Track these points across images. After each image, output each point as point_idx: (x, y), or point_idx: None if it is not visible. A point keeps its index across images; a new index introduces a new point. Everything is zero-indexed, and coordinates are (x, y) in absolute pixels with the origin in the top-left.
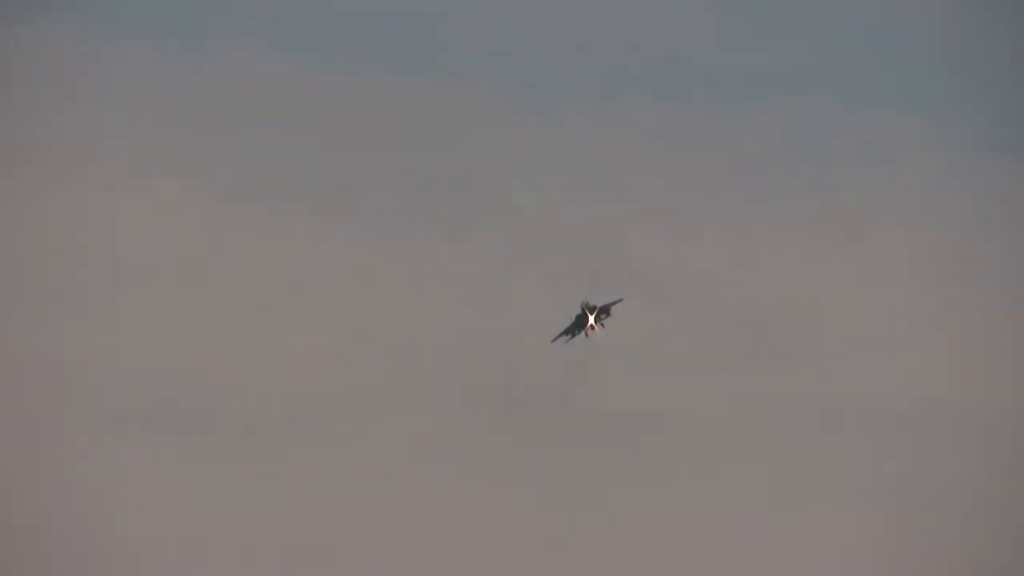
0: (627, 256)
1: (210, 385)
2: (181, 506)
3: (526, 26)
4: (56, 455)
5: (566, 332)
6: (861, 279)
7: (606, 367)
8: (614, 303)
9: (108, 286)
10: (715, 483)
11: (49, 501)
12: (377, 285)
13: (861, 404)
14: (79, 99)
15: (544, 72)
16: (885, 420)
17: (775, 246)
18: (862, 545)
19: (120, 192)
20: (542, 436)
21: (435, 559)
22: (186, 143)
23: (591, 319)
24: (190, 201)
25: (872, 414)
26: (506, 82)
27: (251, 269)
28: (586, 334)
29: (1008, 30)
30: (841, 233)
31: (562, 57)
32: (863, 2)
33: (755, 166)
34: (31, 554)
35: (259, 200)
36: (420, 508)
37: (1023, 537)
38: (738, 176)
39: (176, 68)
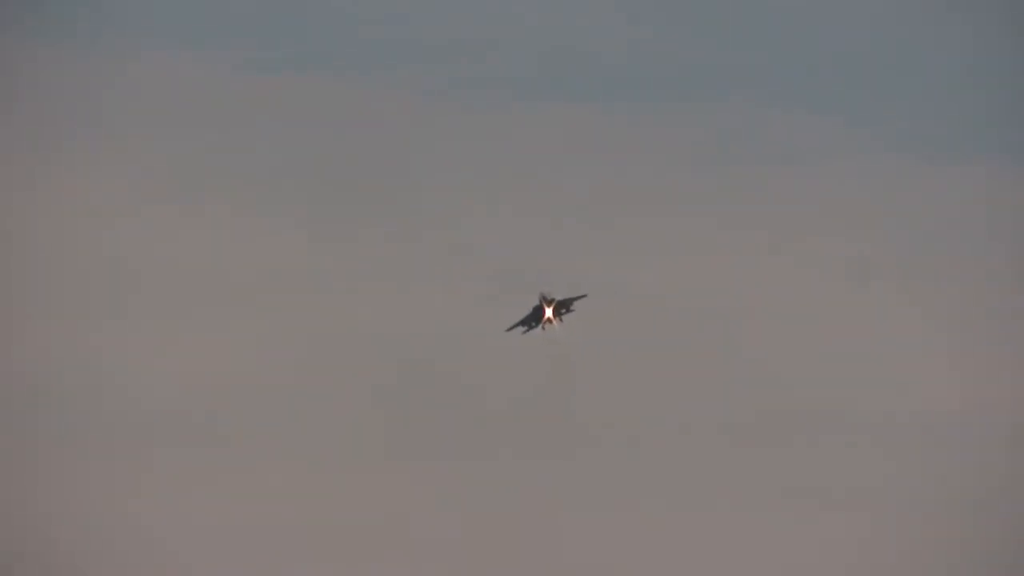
0: (552, 257)
1: (154, 387)
2: (110, 510)
3: (459, 26)
4: None
5: (522, 323)
6: (785, 279)
7: (538, 369)
8: (577, 298)
9: (28, 288)
10: (654, 486)
11: None
12: (312, 285)
13: (787, 404)
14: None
15: (477, 72)
16: (820, 420)
17: (699, 245)
18: (824, 548)
19: (50, 193)
20: (480, 436)
21: (381, 559)
22: (123, 142)
23: (548, 312)
24: (126, 200)
25: (804, 415)
26: (440, 82)
27: (188, 270)
28: (543, 327)
29: (927, 33)
30: (765, 233)
31: (494, 57)
32: (784, 6)
33: (681, 167)
34: None
35: (197, 199)
36: (360, 508)
37: (986, 535)
38: (665, 177)
39: (105, 68)
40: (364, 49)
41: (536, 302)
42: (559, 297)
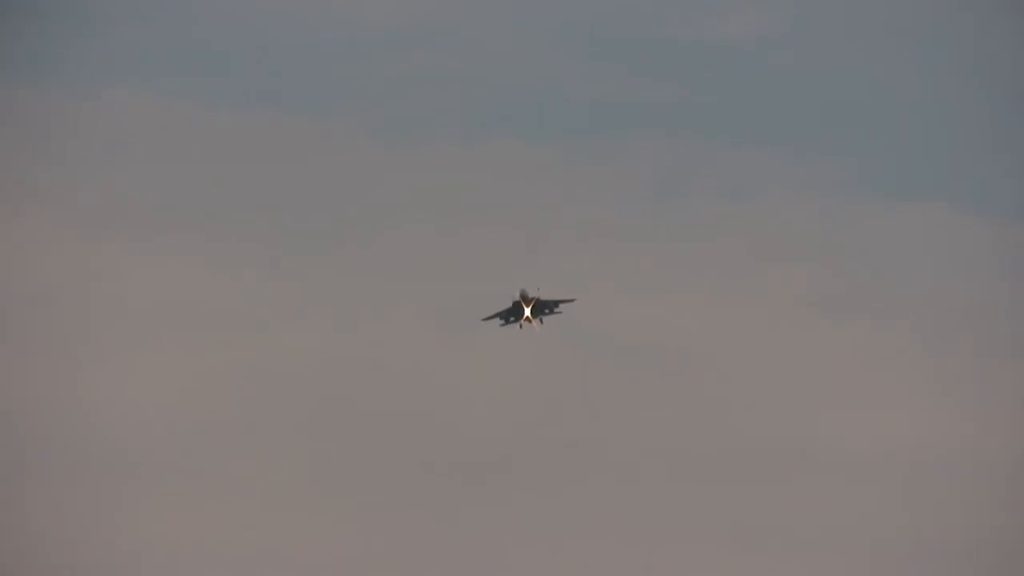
0: (506, 288)
1: (88, 421)
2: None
3: (391, 63)
4: None
5: (500, 316)
6: (736, 317)
7: (480, 399)
8: (564, 301)
9: None
10: (617, 525)
11: None
12: (245, 316)
13: (736, 442)
14: None
15: (407, 107)
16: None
17: (647, 282)
18: None
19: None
20: (413, 467)
21: None
22: (62, 176)
23: (527, 311)
24: (61, 234)
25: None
26: (373, 116)
27: (123, 302)
28: (520, 325)
29: (877, 67)
30: (712, 271)
31: (426, 93)
32: (728, 42)
33: (627, 201)
34: None
35: (130, 234)
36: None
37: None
38: (611, 212)
39: (52, 102)
40: (319, 84)
41: (516, 297)
42: (544, 297)
